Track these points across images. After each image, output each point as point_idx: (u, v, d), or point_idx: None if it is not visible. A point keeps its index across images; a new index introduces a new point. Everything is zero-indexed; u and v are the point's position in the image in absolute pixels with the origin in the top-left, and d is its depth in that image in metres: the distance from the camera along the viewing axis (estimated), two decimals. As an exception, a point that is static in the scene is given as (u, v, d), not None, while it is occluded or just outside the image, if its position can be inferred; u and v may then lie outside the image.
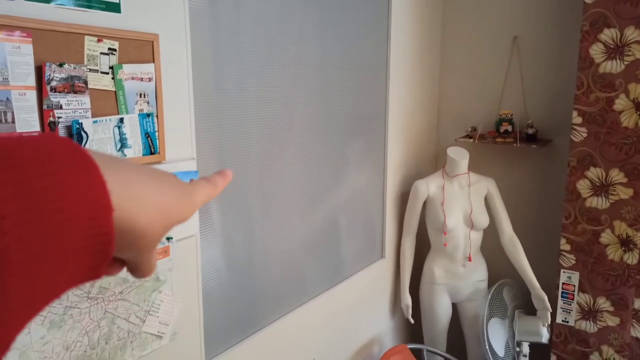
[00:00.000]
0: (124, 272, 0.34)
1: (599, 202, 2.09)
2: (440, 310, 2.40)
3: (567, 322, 2.23)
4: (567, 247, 2.18)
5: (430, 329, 2.44)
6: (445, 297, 2.39)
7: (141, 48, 1.17)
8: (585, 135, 2.07)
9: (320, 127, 1.88)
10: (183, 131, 1.32)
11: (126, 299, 1.20)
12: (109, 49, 1.09)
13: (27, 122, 0.96)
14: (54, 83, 1.00)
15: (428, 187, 2.32)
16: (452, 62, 2.68)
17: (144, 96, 1.19)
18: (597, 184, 2.08)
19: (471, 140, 2.44)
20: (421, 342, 2.43)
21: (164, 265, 1.30)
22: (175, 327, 1.34)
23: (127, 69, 1.14)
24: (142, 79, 1.17)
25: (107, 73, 1.10)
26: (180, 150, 1.32)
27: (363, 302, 2.30)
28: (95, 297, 1.13)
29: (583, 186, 2.11)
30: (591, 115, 2.05)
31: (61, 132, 1.02)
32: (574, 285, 2.19)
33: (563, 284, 2.21)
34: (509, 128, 2.41)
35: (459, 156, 2.29)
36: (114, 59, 1.11)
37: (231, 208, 1.54)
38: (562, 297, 2.22)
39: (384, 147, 2.32)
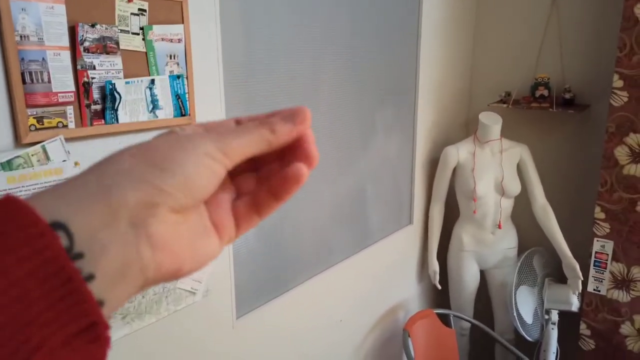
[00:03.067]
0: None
1: (637, 170, 2.02)
2: (468, 277, 2.39)
3: (599, 291, 2.19)
4: (602, 215, 2.12)
5: (457, 295, 2.45)
6: (473, 264, 2.38)
7: (170, 9, 1.17)
8: (626, 99, 1.99)
9: (350, 92, 1.86)
10: (212, 93, 1.33)
11: (160, 256, 1.25)
12: (139, 9, 1.10)
13: (63, 82, 0.99)
14: (86, 44, 1.01)
15: (458, 153, 2.28)
16: (487, 24, 2.58)
17: (174, 57, 1.20)
18: (637, 150, 2.00)
19: (505, 105, 2.38)
20: (448, 308, 2.44)
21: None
22: (207, 285, 1.39)
23: (157, 30, 1.15)
24: (171, 40, 1.18)
25: (138, 34, 1.11)
26: (210, 111, 1.33)
27: (390, 267, 2.32)
28: (131, 254, 1.18)
29: (621, 153, 2.04)
30: (633, 79, 1.96)
31: (95, 92, 1.05)
32: (607, 254, 2.14)
33: (596, 252, 2.17)
34: (545, 93, 2.32)
35: (491, 121, 2.24)
36: (144, 20, 1.12)
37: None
38: (594, 265, 2.18)
39: (413, 112, 2.28)
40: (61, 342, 0.20)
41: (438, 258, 2.41)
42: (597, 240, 2.15)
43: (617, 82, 1.99)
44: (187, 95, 1.24)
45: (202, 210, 0.30)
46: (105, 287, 0.23)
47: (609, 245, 2.13)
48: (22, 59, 0.92)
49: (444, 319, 2.26)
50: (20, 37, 0.91)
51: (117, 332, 1.18)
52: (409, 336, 2.03)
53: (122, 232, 0.24)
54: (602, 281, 2.18)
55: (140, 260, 0.24)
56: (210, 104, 1.33)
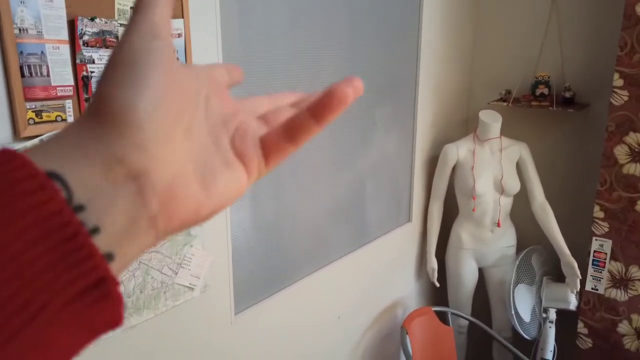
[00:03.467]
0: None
1: (637, 169, 2.02)
2: (466, 275, 2.40)
3: (597, 290, 2.20)
4: (601, 214, 2.12)
5: (455, 293, 2.45)
6: (471, 262, 2.39)
7: (170, 3, 1.16)
8: (626, 98, 1.99)
9: (349, 88, 1.86)
10: (212, 89, 1.32)
11: (159, 252, 1.25)
12: (139, 3, 1.09)
13: (62, 75, 0.98)
14: (86, 37, 1.01)
15: (458, 151, 2.28)
16: (487, 22, 2.58)
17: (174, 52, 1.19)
18: (636, 149, 2.00)
19: (505, 103, 2.38)
20: (446, 305, 2.45)
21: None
22: (206, 280, 1.39)
23: (157, 25, 1.14)
24: (171, 35, 1.18)
25: (138, 28, 1.11)
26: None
27: (389, 265, 2.32)
28: (129, 249, 1.18)
29: (621, 152, 2.04)
30: (634, 78, 1.95)
31: (94, 86, 1.04)
32: (606, 253, 2.14)
33: (594, 251, 2.17)
34: (545, 91, 2.32)
35: (491, 119, 2.24)
36: None
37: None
38: (592, 264, 2.18)
39: (413, 110, 2.28)
40: (68, 300, 0.19)
41: (437, 256, 2.41)
42: (596, 239, 2.16)
43: (618, 81, 1.99)
44: (186, 91, 1.23)
45: (218, 137, 0.27)
46: (113, 241, 0.21)
47: (608, 244, 2.13)
48: (21, 52, 0.91)
49: (442, 317, 2.27)
50: (19, 30, 0.90)
51: (115, 327, 1.18)
52: (406, 333, 2.03)
53: (120, 182, 0.21)
54: (600, 280, 2.18)
55: (147, 212, 0.22)
56: (209, 100, 1.32)
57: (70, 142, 0.22)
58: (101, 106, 0.22)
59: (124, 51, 0.23)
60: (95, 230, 0.20)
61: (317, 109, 0.28)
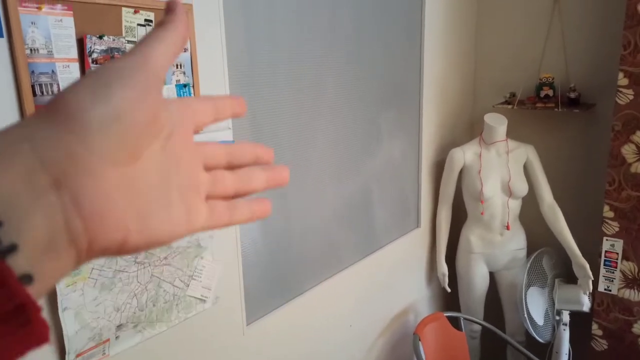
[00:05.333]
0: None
1: (645, 167, 2.01)
2: (477, 279, 2.38)
3: (610, 290, 2.18)
4: (611, 214, 2.11)
5: (467, 297, 2.44)
6: (482, 265, 2.38)
7: (176, 19, 1.18)
8: (631, 97, 1.98)
9: (354, 96, 1.87)
10: (219, 101, 1.34)
11: (171, 264, 1.25)
12: (145, 20, 1.11)
13: (72, 93, 1.00)
14: (95, 55, 1.03)
15: (464, 155, 2.28)
16: (489, 25, 2.59)
17: (180, 67, 1.21)
18: (644, 148, 1.99)
19: (510, 106, 2.38)
20: (458, 310, 2.43)
21: (205, 232, 1.34)
22: (217, 292, 1.39)
23: (164, 40, 1.16)
24: (178, 50, 1.19)
25: (145, 44, 1.12)
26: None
27: (399, 271, 2.31)
28: (142, 262, 1.19)
29: (628, 151, 2.03)
30: (638, 77, 1.95)
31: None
32: (617, 253, 2.13)
33: (606, 251, 2.15)
34: (550, 92, 2.32)
35: (497, 122, 2.24)
36: (150, 30, 1.13)
37: (267, 177, 1.57)
38: (604, 265, 2.17)
39: (418, 115, 2.28)
40: None
41: (447, 261, 2.40)
42: (607, 239, 2.14)
43: (622, 80, 1.99)
44: (194, 104, 1.25)
45: (166, 175, 0.25)
46: (32, 259, 0.19)
47: (619, 244, 2.12)
48: (32, 71, 0.93)
49: (454, 322, 2.25)
50: (31, 50, 0.92)
51: (129, 341, 1.19)
52: (419, 340, 2.02)
53: (44, 192, 0.20)
54: (612, 280, 2.16)
55: (68, 229, 0.20)
56: (216, 112, 1.34)
57: (3, 139, 0.20)
58: (56, 102, 0.22)
59: (105, 67, 0.23)
60: (12, 248, 0.18)
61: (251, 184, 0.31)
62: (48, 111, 0.21)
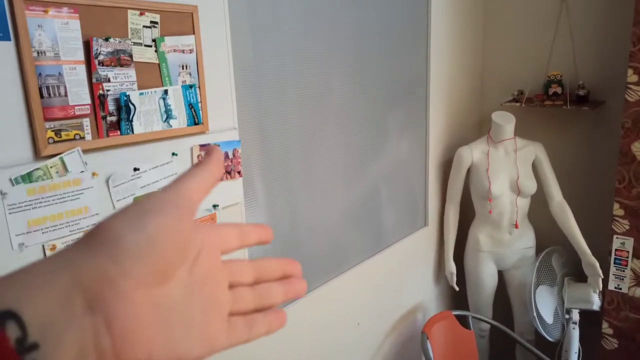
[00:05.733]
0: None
1: (656, 165, 1.98)
2: (486, 278, 2.37)
3: (620, 289, 2.16)
4: (621, 212, 2.09)
5: (475, 296, 2.43)
6: (490, 264, 2.36)
7: (181, 20, 1.19)
8: (641, 94, 1.96)
9: (361, 95, 1.87)
10: (224, 102, 1.35)
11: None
12: (151, 22, 1.12)
13: (79, 95, 1.01)
14: (101, 57, 1.04)
15: (472, 153, 2.27)
16: (496, 22, 2.57)
17: (186, 68, 1.22)
18: (654, 145, 1.97)
19: (518, 104, 2.36)
20: (466, 309, 2.42)
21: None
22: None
23: (169, 41, 1.17)
24: (183, 51, 1.20)
25: (150, 46, 1.14)
26: (223, 120, 1.35)
27: (407, 270, 2.31)
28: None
29: (638, 148, 2.01)
30: (648, 73, 1.93)
31: (110, 104, 1.07)
32: (628, 252, 2.11)
33: (616, 250, 2.13)
34: (559, 90, 2.30)
35: (504, 121, 2.23)
36: (156, 32, 1.14)
37: (273, 176, 1.57)
38: (614, 263, 2.15)
39: (425, 113, 2.28)
40: None
41: (455, 259, 2.40)
42: (617, 238, 2.12)
43: (632, 77, 1.96)
44: (199, 104, 1.26)
45: (192, 295, 0.27)
46: None
47: (629, 242, 2.10)
48: (40, 74, 0.94)
49: (463, 321, 2.25)
50: (37, 52, 0.94)
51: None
52: (427, 339, 2.02)
53: (78, 316, 0.21)
54: (623, 279, 2.14)
55: (97, 349, 0.22)
56: (222, 112, 1.35)
57: (39, 269, 0.22)
58: (96, 230, 0.24)
59: (142, 200, 0.26)
60: None
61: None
62: (87, 238, 0.23)
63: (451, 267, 2.37)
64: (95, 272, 0.22)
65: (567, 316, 2.24)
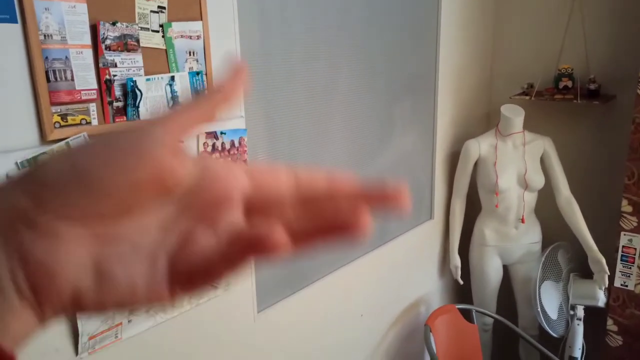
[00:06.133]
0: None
1: (666, 161, 1.96)
2: (491, 272, 2.36)
3: (627, 286, 2.14)
4: (629, 208, 2.07)
5: (479, 290, 2.42)
6: (495, 259, 2.35)
7: (189, 6, 1.18)
8: (653, 89, 1.93)
9: (368, 87, 1.85)
10: (231, 89, 1.34)
11: (182, 251, 1.27)
12: (159, 6, 1.12)
13: (85, 79, 1.01)
14: (108, 42, 1.03)
15: (480, 146, 2.25)
16: (507, 14, 2.54)
17: (193, 54, 1.21)
18: (665, 141, 1.94)
19: (527, 97, 2.34)
20: (470, 303, 2.42)
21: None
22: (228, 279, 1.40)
23: (176, 27, 1.16)
24: (190, 37, 1.20)
25: (158, 31, 1.13)
26: (229, 108, 1.34)
27: (411, 262, 2.30)
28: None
29: (649, 144, 1.98)
30: (661, 67, 1.90)
31: (117, 89, 1.07)
32: (635, 249, 2.09)
33: (623, 247, 2.12)
34: (569, 84, 2.27)
35: (513, 114, 2.20)
36: (163, 17, 1.13)
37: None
38: (621, 260, 2.13)
39: (433, 106, 2.26)
40: None
41: (460, 253, 2.39)
42: (624, 234, 2.10)
43: (644, 71, 1.93)
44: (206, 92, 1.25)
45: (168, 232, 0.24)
46: None
47: (637, 239, 2.08)
48: (46, 57, 0.94)
49: (466, 315, 2.24)
50: (44, 36, 0.93)
51: (141, 325, 1.21)
52: (430, 331, 2.02)
53: None
54: (629, 276, 2.13)
55: (14, 282, 0.20)
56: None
57: None
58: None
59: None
60: None
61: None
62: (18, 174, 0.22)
63: (456, 260, 2.36)
64: (7, 207, 0.20)
65: (571, 312, 2.23)
